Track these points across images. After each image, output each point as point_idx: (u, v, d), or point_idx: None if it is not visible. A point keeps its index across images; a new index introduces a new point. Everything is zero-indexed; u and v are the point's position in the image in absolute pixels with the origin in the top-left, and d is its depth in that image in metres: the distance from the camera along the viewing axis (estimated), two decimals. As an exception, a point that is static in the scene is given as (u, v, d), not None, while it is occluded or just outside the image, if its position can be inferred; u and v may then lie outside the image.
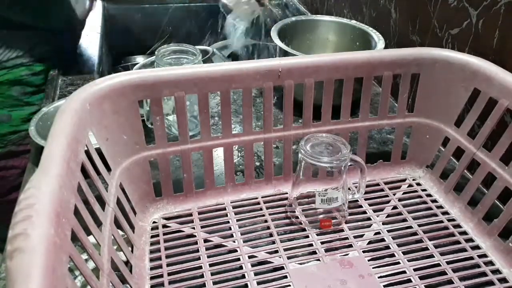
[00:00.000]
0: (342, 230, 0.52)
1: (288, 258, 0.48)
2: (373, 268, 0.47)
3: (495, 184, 0.49)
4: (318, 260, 0.48)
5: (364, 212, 0.54)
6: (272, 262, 0.47)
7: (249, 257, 0.48)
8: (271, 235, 0.51)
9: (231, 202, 0.55)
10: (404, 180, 0.60)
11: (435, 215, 0.54)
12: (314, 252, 0.49)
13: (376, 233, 0.51)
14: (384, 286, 0.45)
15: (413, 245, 0.50)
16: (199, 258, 0.47)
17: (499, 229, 0.49)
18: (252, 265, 0.47)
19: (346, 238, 0.51)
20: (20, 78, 0.79)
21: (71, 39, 0.92)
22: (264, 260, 0.47)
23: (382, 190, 0.58)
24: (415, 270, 0.47)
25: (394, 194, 0.57)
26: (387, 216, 0.54)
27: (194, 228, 0.51)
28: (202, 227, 0.51)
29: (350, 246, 0.50)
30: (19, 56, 0.78)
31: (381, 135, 0.71)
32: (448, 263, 0.47)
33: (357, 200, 0.55)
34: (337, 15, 0.98)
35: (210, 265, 0.47)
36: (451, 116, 0.55)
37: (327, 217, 0.51)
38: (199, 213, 0.54)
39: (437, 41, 0.66)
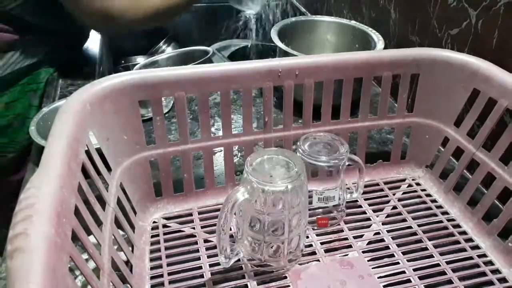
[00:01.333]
0: (341, 231, 0.52)
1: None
2: (372, 268, 0.47)
3: (495, 184, 0.49)
4: (318, 260, 0.48)
5: (364, 213, 0.55)
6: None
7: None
8: (271, 235, 0.51)
9: (231, 202, 0.55)
10: (403, 180, 0.60)
11: (435, 215, 0.54)
12: (314, 253, 0.49)
13: (375, 233, 0.51)
14: (383, 286, 0.45)
15: (412, 245, 0.50)
16: (199, 258, 0.48)
17: (499, 229, 0.49)
18: (252, 266, 0.47)
19: (346, 239, 0.51)
20: (37, 82, 0.79)
21: (83, 41, 0.92)
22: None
23: (381, 190, 0.58)
24: (414, 270, 0.47)
25: (393, 194, 0.57)
26: (387, 216, 0.54)
27: (194, 228, 0.51)
28: (202, 227, 0.51)
29: (350, 246, 0.50)
30: (39, 61, 0.78)
31: (381, 135, 0.71)
32: (447, 263, 0.48)
33: (357, 200, 0.56)
34: (336, 16, 0.98)
35: (210, 265, 0.47)
36: (451, 116, 0.56)
37: (324, 216, 0.51)
38: (199, 213, 0.54)
39: (437, 41, 0.66)
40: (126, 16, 0.71)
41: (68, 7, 0.71)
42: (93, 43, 0.95)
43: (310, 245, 0.50)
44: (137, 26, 0.76)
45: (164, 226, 0.52)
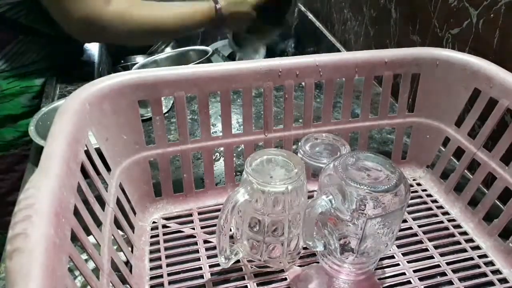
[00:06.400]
0: (342, 231, 0.51)
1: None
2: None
3: (496, 184, 0.49)
4: (317, 262, 0.47)
5: (364, 212, 0.54)
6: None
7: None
8: (271, 235, 0.51)
9: (231, 202, 0.55)
10: (404, 180, 0.60)
11: (436, 215, 0.54)
12: (313, 254, 0.48)
13: (376, 234, 0.51)
14: (383, 287, 0.45)
15: (413, 246, 0.50)
16: (199, 259, 0.47)
17: (500, 229, 0.49)
18: (252, 266, 0.47)
19: (346, 239, 0.50)
20: (31, 85, 0.79)
21: (81, 45, 0.92)
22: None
23: (382, 190, 0.58)
24: (415, 271, 0.47)
25: (394, 194, 0.57)
26: (387, 217, 0.54)
27: (194, 229, 0.51)
28: (202, 227, 0.51)
29: (350, 246, 0.50)
30: (33, 62, 0.78)
31: (381, 135, 0.71)
32: (448, 263, 0.47)
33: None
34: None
35: (210, 266, 0.46)
36: (452, 116, 0.55)
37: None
38: (199, 213, 0.53)
39: (438, 41, 0.66)
40: (111, 29, 0.71)
41: (52, 12, 0.71)
42: (93, 43, 0.95)
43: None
44: (121, 40, 0.79)
45: (164, 226, 0.52)
